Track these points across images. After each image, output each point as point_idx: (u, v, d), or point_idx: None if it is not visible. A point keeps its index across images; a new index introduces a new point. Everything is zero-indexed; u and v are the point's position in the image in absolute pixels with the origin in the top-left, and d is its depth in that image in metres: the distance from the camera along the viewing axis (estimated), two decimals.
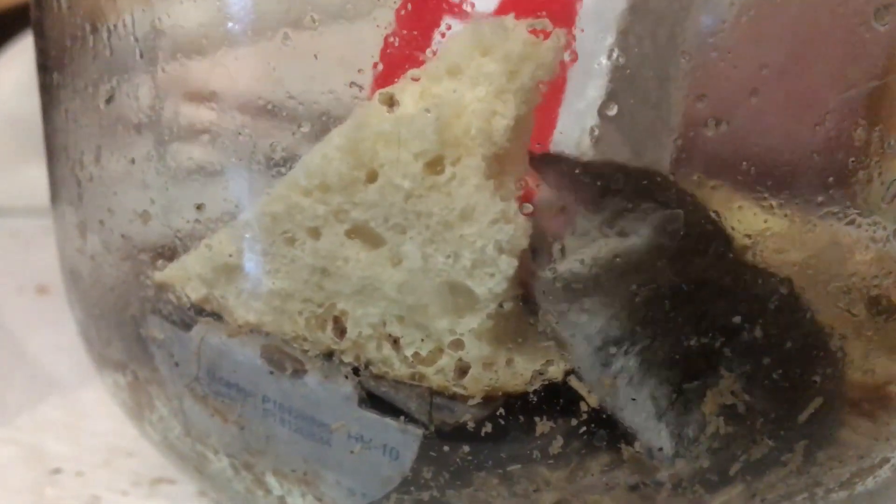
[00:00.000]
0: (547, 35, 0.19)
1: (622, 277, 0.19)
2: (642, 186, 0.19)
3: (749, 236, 0.19)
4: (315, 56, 0.19)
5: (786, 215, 0.19)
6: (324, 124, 0.20)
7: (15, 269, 0.54)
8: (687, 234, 0.18)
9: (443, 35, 0.22)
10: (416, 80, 0.19)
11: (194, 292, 0.21)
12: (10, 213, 0.67)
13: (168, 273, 0.22)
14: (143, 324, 0.22)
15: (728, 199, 0.20)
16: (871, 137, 0.18)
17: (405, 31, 0.22)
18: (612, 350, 0.19)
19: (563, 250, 0.19)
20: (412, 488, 0.20)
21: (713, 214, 0.19)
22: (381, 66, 0.21)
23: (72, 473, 0.30)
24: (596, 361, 0.19)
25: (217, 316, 0.21)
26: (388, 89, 0.19)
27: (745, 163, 0.19)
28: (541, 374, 0.19)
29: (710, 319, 0.19)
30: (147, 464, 0.30)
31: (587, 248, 0.19)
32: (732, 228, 0.19)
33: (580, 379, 0.19)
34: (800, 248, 0.19)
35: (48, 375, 0.39)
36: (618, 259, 0.19)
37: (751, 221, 0.19)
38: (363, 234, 0.20)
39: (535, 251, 0.20)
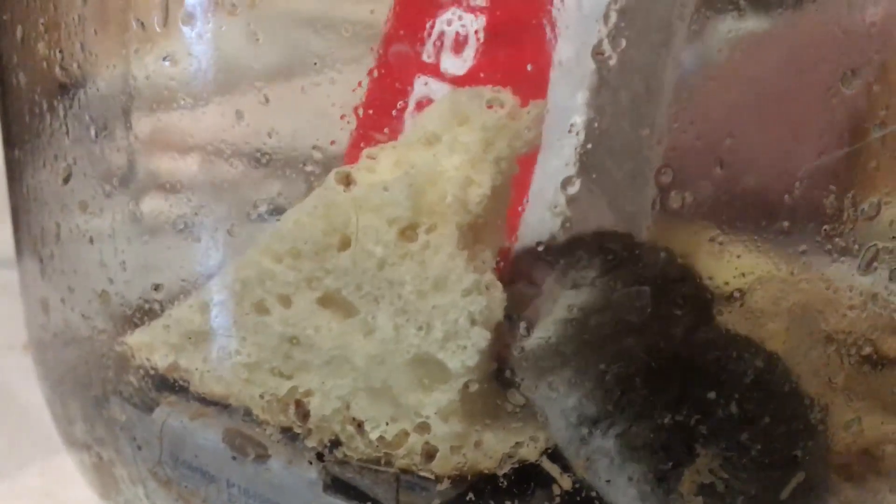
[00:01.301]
0: (503, 109, 0.19)
1: (590, 349, 0.18)
2: (599, 245, 0.19)
3: (726, 296, 0.18)
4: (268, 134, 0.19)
5: (769, 254, 0.18)
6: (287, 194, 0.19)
7: (3, 324, 0.53)
8: (654, 310, 0.18)
9: (409, 101, 0.22)
10: (372, 158, 0.19)
11: (161, 361, 0.21)
12: (0, 266, 0.66)
13: (135, 340, 0.21)
14: (105, 405, 0.21)
15: (706, 255, 0.19)
16: (844, 204, 0.18)
17: (375, 95, 0.22)
18: (589, 429, 0.18)
19: (528, 325, 0.19)
20: None
21: (688, 279, 0.19)
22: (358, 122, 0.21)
23: None
24: (574, 437, 0.18)
25: (182, 388, 0.21)
26: (345, 168, 0.19)
27: (717, 228, 0.19)
28: (511, 456, 0.19)
29: (684, 395, 0.18)
30: None
31: (549, 316, 0.18)
32: (710, 279, 0.19)
33: (553, 459, 0.19)
34: (780, 306, 0.19)
35: (31, 439, 0.38)
36: (574, 316, 0.18)
37: (735, 262, 0.19)
38: (335, 302, 0.19)
39: (510, 324, 0.19)
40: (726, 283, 0.19)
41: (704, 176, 0.19)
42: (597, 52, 0.18)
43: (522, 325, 0.19)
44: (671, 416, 0.18)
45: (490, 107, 0.19)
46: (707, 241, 0.19)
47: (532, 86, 0.22)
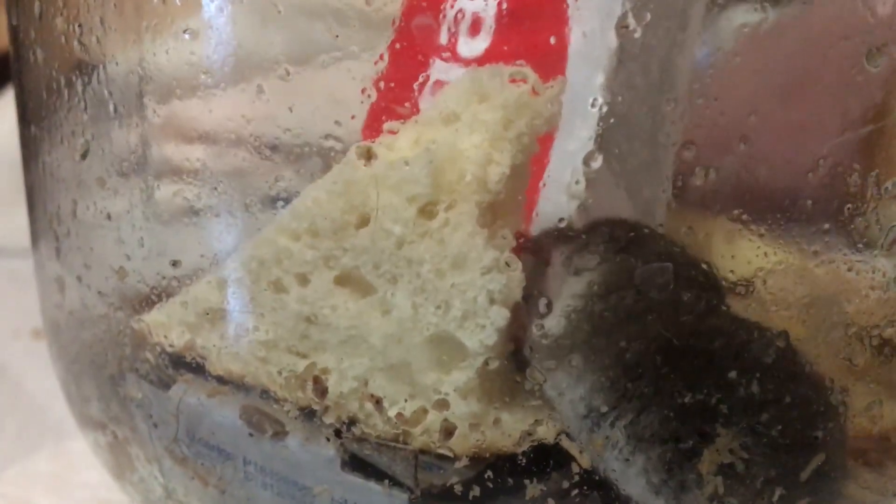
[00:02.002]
0: (525, 83, 0.19)
1: (594, 338, 0.18)
2: (604, 232, 0.19)
3: (750, 262, 0.18)
4: (289, 109, 0.19)
5: (782, 245, 0.18)
6: (304, 174, 0.19)
7: (11, 311, 0.53)
8: (676, 287, 0.17)
9: (424, 82, 0.22)
10: (393, 132, 0.19)
11: (178, 339, 0.21)
12: (8, 255, 0.66)
13: (152, 318, 0.21)
14: (121, 383, 0.21)
15: (726, 230, 0.19)
16: (867, 182, 0.18)
17: (389, 78, 0.22)
18: (598, 419, 0.18)
19: (548, 305, 0.18)
20: None
21: (704, 266, 0.18)
22: (364, 114, 0.21)
23: None
24: (583, 427, 0.18)
25: (199, 367, 0.21)
26: (367, 143, 0.18)
27: (737, 210, 0.18)
28: (529, 434, 0.18)
29: (705, 375, 0.18)
30: None
31: (559, 300, 0.18)
32: (732, 272, 0.19)
33: (571, 439, 0.18)
34: (801, 289, 0.19)
35: (40, 424, 0.38)
36: (576, 304, 0.18)
37: (749, 252, 0.19)
38: (352, 281, 0.19)
39: (528, 305, 0.19)
40: (743, 269, 0.19)
41: (721, 160, 0.19)
42: (621, 25, 0.18)
43: (541, 303, 0.18)
44: (681, 402, 0.18)
45: (513, 80, 0.18)
46: (723, 227, 0.19)
47: (550, 67, 0.22)
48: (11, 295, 0.58)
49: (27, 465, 0.34)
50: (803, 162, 0.18)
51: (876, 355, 0.20)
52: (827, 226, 0.18)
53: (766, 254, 0.18)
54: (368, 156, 0.18)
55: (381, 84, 0.20)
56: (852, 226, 0.18)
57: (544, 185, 0.22)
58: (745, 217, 0.18)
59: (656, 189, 0.22)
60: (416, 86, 0.21)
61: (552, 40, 0.22)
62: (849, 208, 0.18)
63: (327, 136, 0.19)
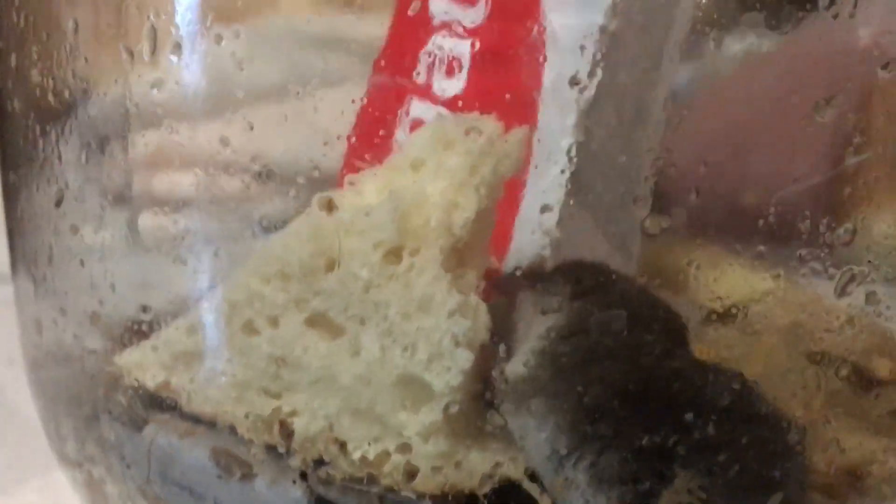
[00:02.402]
0: (479, 135, 0.19)
1: (559, 379, 0.18)
2: (569, 273, 0.19)
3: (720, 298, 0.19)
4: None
5: (760, 270, 0.18)
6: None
7: (7, 338, 0.54)
8: (633, 332, 0.18)
9: (407, 112, 0.23)
10: (352, 185, 0.19)
11: (153, 379, 0.21)
12: (3, 281, 0.67)
13: (127, 359, 0.22)
14: (95, 424, 0.22)
15: (705, 256, 0.19)
16: (820, 229, 0.18)
17: (373, 110, 0.22)
18: (561, 461, 0.18)
19: (510, 349, 0.19)
20: None
21: (666, 309, 0.19)
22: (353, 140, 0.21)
23: None
24: (548, 468, 0.18)
25: (172, 406, 0.21)
26: (327, 195, 0.19)
27: (695, 254, 0.19)
28: (491, 476, 0.19)
29: (662, 418, 0.18)
30: None
31: (524, 344, 0.19)
32: (710, 285, 0.19)
33: (533, 478, 0.19)
34: (780, 304, 0.19)
35: (31, 454, 0.38)
36: (542, 345, 0.18)
37: (728, 279, 0.19)
38: (322, 323, 0.20)
39: (494, 346, 0.19)
40: (710, 302, 0.19)
41: (686, 198, 0.19)
42: (573, 82, 0.18)
43: (501, 349, 0.19)
44: (640, 444, 0.18)
45: (468, 133, 0.19)
46: (698, 256, 0.19)
47: (523, 108, 0.22)
48: (7, 321, 0.59)
49: (15, 496, 0.34)
50: (759, 205, 0.19)
51: (837, 393, 0.20)
52: (781, 270, 0.18)
53: (722, 297, 0.19)
54: (329, 207, 0.19)
55: (353, 134, 0.20)
56: (806, 270, 0.18)
57: (518, 225, 0.23)
58: (705, 256, 0.19)
59: (628, 226, 0.22)
60: (384, 135, 0.21)
61: (521, 85, 0.22)
62: (801, 253, 0.18)
63: (298, 179, 0.19)
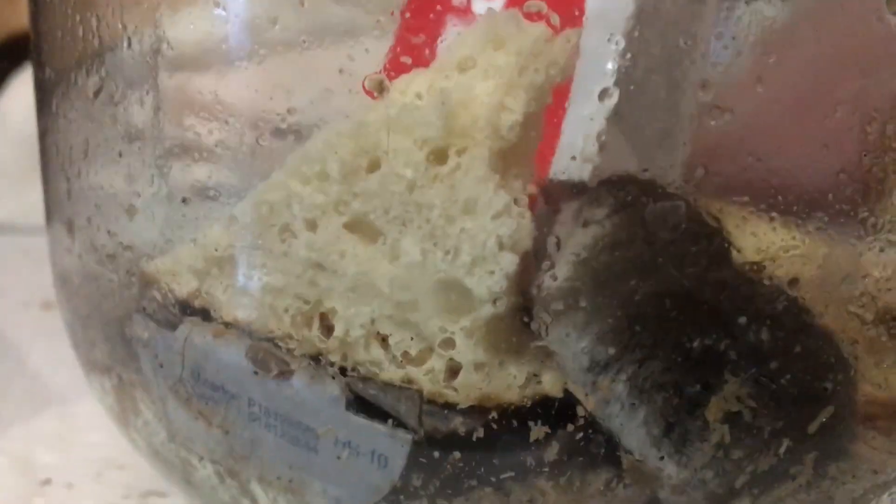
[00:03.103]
0: (542, 18, 0.19)
1: (598, 291, 0.18)
2: (614, 186, 0.19)
3: (760, 250, 0.18)
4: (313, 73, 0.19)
5: (798, 224, 0.18)
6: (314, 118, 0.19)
7: (22, 284, 0.54)
8: (687, 230, 0.17)
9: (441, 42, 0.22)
10: (408, 68, 0.19)
11: (183, 286, 0.21)
12: (21, 231, 0.67)
13: (158, 265, 0.21)
14: (127, 324, 0.21)
15: (738, 210, 0.19)
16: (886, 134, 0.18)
17: (410, 35, 0.22)
18: (600, 373, 0.18)
19: (558, 249, 0.18)
20: (401, 497, 0.19)
21: (715, 213, 0.18)
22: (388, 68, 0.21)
23: (62, 485, 0.29)
24: (586, 381, 0.18)
25: (204, 313, 0.21)
26: (379, 75, 0.18)
27: (755, 168, 0.18)
28: (536, 376, 0.18)
29: (714, 322, 0.18)
30: (138, 477, 0.29)
31: (566, 250, 0.18)
32: (744, 240, 0.18)
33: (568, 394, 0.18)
34: (812, 259, 0.19)
35: (46, 388, 0.39)
36: (583, 256, 0.18)
37: (762, 234, 0.18)
38: (361, 227, 0.19)
39: (536, 253, 0.19)
40: (752, 251, 0.18)
41: (737, 132, 0.19)
42: None
43: (550, 247, 0.18)
44: (684, 353, 0.18)
45: (528, 16, 0.18)
46: (736, 207, 0.19)
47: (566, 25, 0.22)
48: (23, 270, 0.59)
49: (31, 425, 0.34)
50: (820, 115, 0.18)
51: (880, 320, 0.20)
52: (843, 188, 0.18)
53: (774, 229, 0.18)
54: (380, 88, 0.18)
55: (402, 42, 0.20)
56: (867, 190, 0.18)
57: (558, 149, 0.22)
58: (759, 191, 0.18)
59: (669, 162, 0.22)
60: (435, 43, 0.20)
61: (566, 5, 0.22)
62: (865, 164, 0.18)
63: (341, 71, 0.19)
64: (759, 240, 0.18)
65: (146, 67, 0.19)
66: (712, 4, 0.22)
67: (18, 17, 0.80)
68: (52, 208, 0.24)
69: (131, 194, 0.20)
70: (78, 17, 0.20)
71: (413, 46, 0.23)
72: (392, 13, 0.20)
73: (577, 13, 0.22)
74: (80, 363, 0.25)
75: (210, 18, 0.19)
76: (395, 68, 0.23)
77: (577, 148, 0.22)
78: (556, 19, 0.19)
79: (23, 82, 0.69)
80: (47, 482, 0.29)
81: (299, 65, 0.19)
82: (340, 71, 0.19)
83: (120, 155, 0.20)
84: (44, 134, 0.24)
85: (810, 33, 0.19)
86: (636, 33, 0.21)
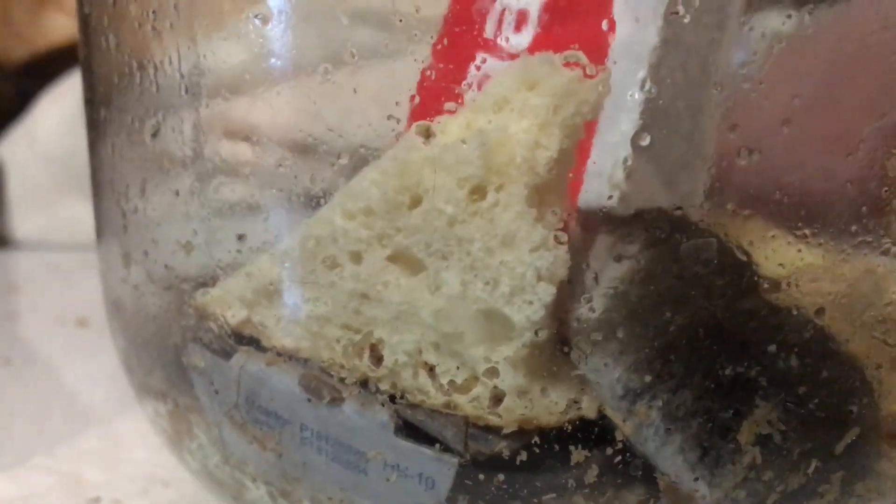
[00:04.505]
0: (579, 67, 0.19)
1: (632, 323, 0.19)
2: (646, 220, 0.20)
3: (782, 265, 0.19)
4: (354, 91, 0.20)
5: (820, 244, 0.19)
6: (361, 157, 0.20)
7: (55, 301, 0.55)
8: (718, 263, 0.18)
9: (478, 68, 0.23)
10: (451, 112, 0.20)
11: (234, 317, 0.22)
12: (51, 247, 0.68)
13: (210, 297, 0.22)
14: (183, 352, 0.22)
15: (761, 229, 0.20)
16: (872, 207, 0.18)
17: (440, 67, 0.23)
18: (634, 400, 0.19)
19: (596, 281, 0.19)
20: None
21: (744, 245, 0.19)
22: (417, 100, 0.22)
23: (110, 501, 0.30)
24: (621, 409, 0.19)
25: (255, 342, 0.22)
26: (426, 122, 0.19)
27: (777, 193, 0.19)
28: (576, 402, 0.19)
29: (745, 350, 0.19)
30: (183, 493, 0.30)
31: (596, 288, 0.19)
32: (766, 258, 0.19)
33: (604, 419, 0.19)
34: (833, 278, 0.19)
35: (86, 406, 0.40)
36: (617, 289, 0.19)
37: (784, 252, 0.19)
38: (404, 259, 0.20)
39: (572, 284, 0.20)
40: (777, 269, 0.19)
41: (759, 155, 0.19)
42: (671, 12, 0.19)
43: (587, 280, 0.19)
44: (721, 376, 0.19)
45: (567, 64, 0.19)
46: (760, 226, 0.19)
47: (592, 59, 0.22)
48: (55, 286, 0.60)
49: (76, 444, 0.35)
50: (842, 146, 0.19)
51: None
52: (864, 208, 0.19)
53: (804, 237, 0.19)
54: (427, 133, 0.19)
55: (437, 68, 0.21)
56: (889, 208, 0.19)
57: (587, 175, 0.23)
58: (781, 203, 0.19)
59: (696, 183, 0.23)
60: (469, 71, 0.21)
61: (598, 30, 0.23)
62: (886, 191, 0.19)
63: (389, 117, 0.20)
64: (780, 253, 0.19)
65: (203, 112, 0.20)
66: (731, 32, 0.22)
67: (43, 37, 0.81)
68: (106, 239, 0.25)
69: (189, 232, 0.21)
70: (135, 63, 0.21)
71: (445, 74, 0.24)
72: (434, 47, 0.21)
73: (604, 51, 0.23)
74: (132, 387, 0.26)
75: (252, 56, 0.20)
76: (427, 96, 0.23)
77: (605, 174, 0.23)
78: (591, 69, 0.19)
79: (50, 101, 0.71)
80: (97, 500, 0.30)
81: (344, 90, 0.20)
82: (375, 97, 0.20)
83: (177, 194, 0.21)
84: (97, 169, 0.25)
85: (828, 57, 0.20)
86: (660, 63, 0.22)
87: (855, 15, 0.19)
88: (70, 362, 0.45)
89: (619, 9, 0.22)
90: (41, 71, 0.75)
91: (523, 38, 0.23)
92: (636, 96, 0.22)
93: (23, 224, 0.70)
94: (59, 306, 0.53)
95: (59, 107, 0.68)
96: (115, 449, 0.35)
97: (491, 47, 0.24)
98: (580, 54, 0.19)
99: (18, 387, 0.42)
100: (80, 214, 0.64)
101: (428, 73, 0.21)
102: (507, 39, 0.23)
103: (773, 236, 0.19)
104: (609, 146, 0.23)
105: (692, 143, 0.22)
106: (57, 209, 0.69)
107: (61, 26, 0.78)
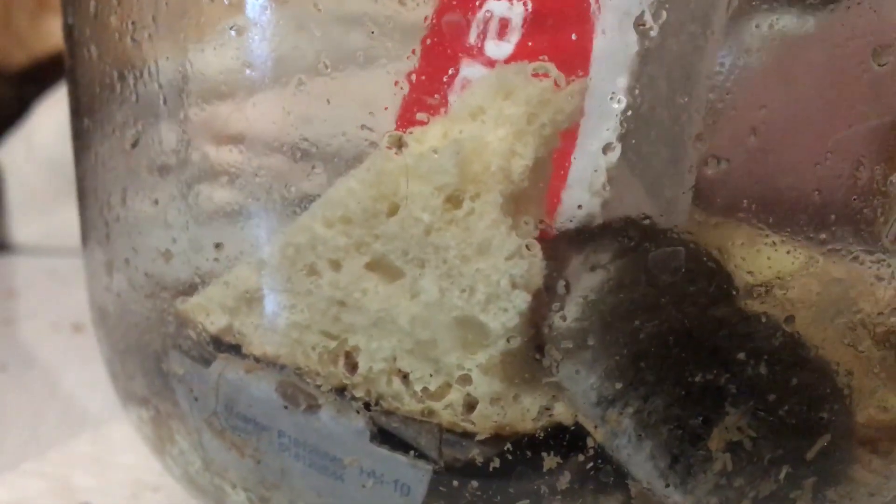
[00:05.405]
0: (547, 77, 0.20)
1: (605, 331, 0.19)
2: (618, 230, 0.20)
3: (752, 273, 0.19)
4: (328, 101, 0.20)
5: (788, 252, 0.19)
6: (337, 166, 0.20)
7: (51, 306, 0.56)
8: (688, 271, 0.18)
9: (452, 80, 0.23)
10: (424, 122, 0.20)
11: (214, 324, 0.22)
12: (48, 253, 0.68)
13: (190, 305, 0.22)
14: (164, 359, 0.23)
15: (734, 236, 0.20)
16: (874, 175, 0.19)
17: (417, 76, 0.23)
18: (607, 408, 0.19)
19: (567, 290, 0.19)
20: None
21: (715, 253, 0.19)
22: (393, 110, 0.22)
23: None
24: (595, 414, 0.19)
25: (235, 349, 0.22)
26: (398, 132, 0.20)
27: (748, 200, 0.19)
28: (548, 409, 0.19)
29: (715, 357, 0.19)
30: (172, 498, 0.30)
31: (574, 292, 0.19)
32: (736, 266, 0.19)
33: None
34: (804, 286, 0.20)
35: (80, 410, 0.40)
36: (590, 299, 0.19)
37: (754, 260, 0.20)
38: (382, 267, 0.20)
39: (547, 292, 0.20)
40: (761, 272, 0.19)
41: (736, 156, 0.20)
42: (638, 24, 0.19)
43: (559, 288, 0.19)
44: (687, 388, 0.19)
45: (535, 75, 0.19)
46: (741, 229, 0.20)
47: (573, 68, 0.23)
48: (52, 291, 0.60)
49: (67, 448, 0.35)
50: (812, 155, 0.19)
51: (880, 345, 0.20)
52: (833, 216, 0.19)
53: (778, 253, 0.19)
54: (399, 144, 0.20)
55: (413, 78, 0.21)
56: (859, 217, 0.19)
57: (568, 183, 0.23)
58: (752, 210, 0.19)
59: (678, 190, 0.23)
60: (445, 81, 0.22)
61: (576, 39, 0.23)
62: (855, 200, 0.19)
63: (362, 127, 0.20)
64: (751, 259, 0.20)
65: (181, 122, 0.21)
66: (714, 41, 0.23)
67: (42, 42, 0.82)
68: (90, 247, 0.26)
69: (168, 240, 0.22)
70: (116, 74, 0.22)
71: (422, 84, 0.24)
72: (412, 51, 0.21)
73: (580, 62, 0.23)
74: (117, 394, 0.26)
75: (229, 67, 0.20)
76: (405, 106, 0.24)
77: (586, 182, 0.23)
78: (562, 80, 0.20)
79: (49, 106, 0.71)
80: None
81: (326, 94, 0.20)
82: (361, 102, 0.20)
83: (156, 203, 0.22)
84: (81, 178, 0.25)
85: (797, 68, 0.20)
86: (642, 70, 0.22)
87: (826, 27, 0.19)
88: (65, 367, 0.45)
89: (597, 18, 0.22)
90: (40, 76, 0.76)
91: (503, 48, 0.23)
92: (616, 104, 0.22)
93: (21, 229, 0.70)
94: (56, 311, 0.54)
95: (58, 112, 0.68)
96: (106, 454, 0.35)
97: (470, 57, 0.24)
98: (549, 65, 0.19)
99: (14, 392, 0.42)
100: (77, 220, 0.64)
101: (404, 83, 0.21)
102: (487, 50, 0.24)
103: (742, 244, 0.19)
104: (590, 155, 0.23)
105: (672, 150, 0.22)
106: (55, 214, 0.69)
107: (61, 32, 0.79)
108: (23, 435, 0.37)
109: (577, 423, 0.19)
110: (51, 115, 0.69)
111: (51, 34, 0.80)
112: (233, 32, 0.19)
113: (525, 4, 0.23)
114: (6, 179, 0.71)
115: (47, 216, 0.70)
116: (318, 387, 0.20)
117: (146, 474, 0.32)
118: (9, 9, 0.79)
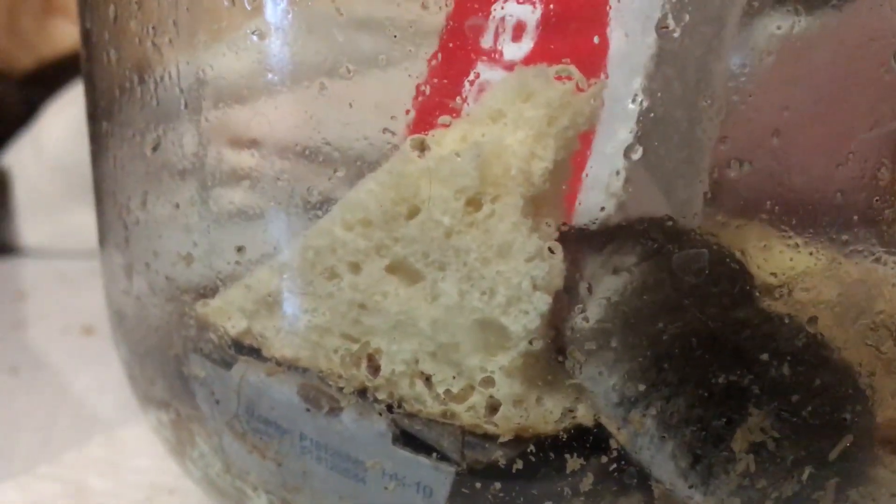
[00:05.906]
0: (570, 80, 0.20)
1: (628, 333, 0.19)
2: (641, 232, 0.20)
3: (775, 275, 0.19)
4: (350, 104, 0.20)
5: (811, 254, 0.19)
6: (358, 169, 0.20)
7: (61, 309, 0.56)
8: (711, 273, 0.19)
9: (471, 83, 0.23)
10: (445, 126, 0.20)
11: (235, 327, 0.22)
12: (57, 256, 0.69)
13: (210, 308, 0.22)
14: (185, 362, 0.23)
15: (754, 237, 0.20)
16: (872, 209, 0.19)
17: (436, 80, 0.23)
18: (629, 408, 0.19)
19: (589, 291, 0.19)
20: None
21: (738, 255, 0.19)
22: (413, 113, 0.22)
23: None
24: (617, 416, 0.19)
25: (256, 352, 0.22)
26: (421, 135, 0.20)
27: (769, 202, 0.19)
28: (571, 411, 0.19)
29: (738, 359, 0.19)
30: (187, 502, 0.31)
31: (592, 299, 0.19)
32: (758, 267, 0.19)
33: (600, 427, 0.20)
34: (826, 286, 0.20)
35: (92, 414, 0.40)
36: (613, 300, 0.19)
37: (777, 261, 0.20)
38: (402, 269, 0.20)
39: (567, 293, 0.20)
40: (778, 272, 0.19)
41: (755, 159, 0.20)
42: (661, 26, 0.19)
43: (582, 290, 0.19)
44: (714, 384, 0.19)
45: (559, 78, 0.20)
46: (758, 230, 0.20)
47: (590, 70, 0.23)
48: (61, 294, 0.60)
49: (81, 452, 0.35)
50: (835, 157, 0.19)
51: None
52: (856, 217, 0.19)
53: (800, 254, 0.19)
54: (422, 147, 0.20)
55: (433, 82, 0.21)
56: (880, 217, 0.19)
57: (584, 185, 0.23)
58: (774, 212, 0.19)
59: (693, 191, 0.23)
60: (465, 84, 0.22)
61: (594, 42, 0.23)
62: (877, 200, 0.19)
63: (384, 130, 0.20)
64: (773, 261, 0.20)
65: (203, 126, 0.21)
66: (728, 41, 0.23)
67: (49, 45, 0.82)
68: (108, 250, 0.26)
69: (189, 244, 0.22)
70: (135, 78, 0.22)
71: (441, 87, 0.24)
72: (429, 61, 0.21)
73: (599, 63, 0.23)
74: (136, 397, 0.26)
75: (250, 70, 0.20)
76: (424, 108, 0.24)
77: (603, 182, 0.23)
78: (584, 83, 0.20)
79: (56, 109, 0.71)
80: None
81: (349, 97, 0.20)
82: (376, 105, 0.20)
83: (177, 206, 0.22)
84: (99, 182, 0.25)
85: (819, 68, 0.20)
86: (658, 72, 0.22)
87: (845, 27, 0.19)
88: (76, 370, 0.45)
89: (615, 20, 0.22)
90: (48, 79, 0.76)
91: (520, 51, 0.23)
92: (632, 106, 0.22)
93: (30, 232, 0.70)
94: (66, 314, 0.54)
95: (66, 115, 0.68)
96: (120, 457, 0.35)
97: (488, 60, 0.24)
98: (572, 68, 0.19)
99: (25, 395, 0.42)
100: (86, 222, 0.64)
101: (423, 87, 0.21)
102: (504, 52, 0.24)
103: (765, 246, 0.19)
104: (606, 157, 0.23)
105: (689, 151, 0.22)
106: (63, 217, 0.69)
107: (68, 34, 0.79)
108: (35, 438, 0.37)
109: (599, 425, 0.19)
110: (59, 118, 0.69)
111: (57, 37, 0.80)
112: (254, 37, 0.19)
113: (548, 6, 0.23)
114: (14, 182, 0.71)
115: (56, 219, 0.70)
116: (340, 389, 0.20)
117: (161, 477, 0.32)
118: (15, 12, 0.80)
